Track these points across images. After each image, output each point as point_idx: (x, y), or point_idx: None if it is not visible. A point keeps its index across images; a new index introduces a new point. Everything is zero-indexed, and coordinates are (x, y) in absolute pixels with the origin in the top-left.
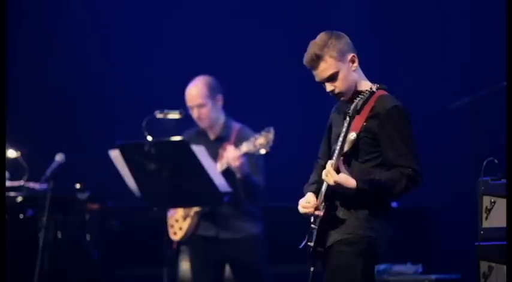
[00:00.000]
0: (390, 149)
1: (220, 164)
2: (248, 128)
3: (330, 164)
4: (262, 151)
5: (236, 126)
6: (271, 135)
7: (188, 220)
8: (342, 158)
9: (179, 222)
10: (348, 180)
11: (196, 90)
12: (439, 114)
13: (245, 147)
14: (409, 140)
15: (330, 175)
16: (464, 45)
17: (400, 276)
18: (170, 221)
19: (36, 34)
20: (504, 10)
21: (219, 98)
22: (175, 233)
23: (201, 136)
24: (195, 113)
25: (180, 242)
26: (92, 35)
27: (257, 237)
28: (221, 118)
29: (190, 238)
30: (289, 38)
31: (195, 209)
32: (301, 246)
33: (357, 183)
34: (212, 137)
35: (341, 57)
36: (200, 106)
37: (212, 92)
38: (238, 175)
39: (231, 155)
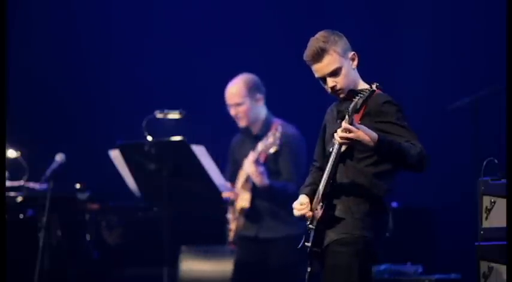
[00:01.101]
0: (395, 136)
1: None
2: (289, 125)
3: (344, 123)
4: (272, 150)
5: (276, 122)
6: (278, 134)
7: (235, 222)
8: (355, 114)
9: (231, 223)
10: (368, 130)
11: (234, 89)
12: (439, 114)
13: (260, 147)
14: (408, 127)
15: (350, 130)
16: (465, 45)
17: (400, 276)
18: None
19: (36, 34)
20: (504, 10)
21: (259, 98)
22: (229, 233)
23: (244, 134)
24: (232, 111)
25: (234, 242)
26: (92, 35)
27: (296, 238)
28: (262, 116)
29: (237, 240)
30: (289, 38)
31: (237, 209)
32: (299, 247)
33: (379, 136)
34: (254, 134)
35: (344, 53)
36: (237, 105)
37: (251, 91)
38: (257, 185)
39: (246, 162)
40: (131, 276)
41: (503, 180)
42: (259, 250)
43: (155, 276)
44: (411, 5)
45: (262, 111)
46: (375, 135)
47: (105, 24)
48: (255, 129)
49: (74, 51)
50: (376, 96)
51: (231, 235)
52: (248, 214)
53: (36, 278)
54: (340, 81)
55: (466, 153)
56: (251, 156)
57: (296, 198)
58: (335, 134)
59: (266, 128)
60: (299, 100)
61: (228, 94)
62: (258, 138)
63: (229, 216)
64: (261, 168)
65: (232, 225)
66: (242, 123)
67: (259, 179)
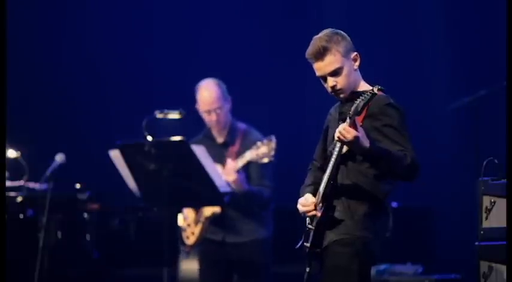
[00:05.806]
0: (389, 144)
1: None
2: (254, 129)
3: (345, 124)
4: (265, 160)
5: (242, 128)
6: (273, 144)
7: (200, 225)
8: (356, 116)
9: (191, 226)
10: (364, 137)
11: (211, 93)
12: (439, 114)
13: (248, 156)
14: (406, 135)
15: (348, 131)
16: (465, 45)
17: (400, 276)
18: (183, 224)
19: (36, 34)
20: (504, 10)
21: (230, 100)
22: (188, 237)
23: (207, 140)
24: (212, 117)
25: (193, 246)
26: (92, 35)
27: (264, 242)
28: (229, 120)
29: (201, 242)
30: (290, 40)
31: (206, 214)
32: (297, 247)
33: (370, 144)
34: (219, 140)
35: (346, 53)
36: (219, 109)
37: (225, 94)
38: (236, 191)
39: (226, 170)
40: (131, 276)
41: (503, 180)
42: (226, 254)
43: (155, 276)
44: (411, 4)
45: (229, 115)
46: (368, 141)
47: (105, 24)
48: (223, 135)
49: (74, 51)
50: (378, 98)
51: (192, 239)
52: (215, 218)
53: (36, 278)
54: (341, 81)
55: (466, 153)
56: (230, 166)
57: (269, 204)
58: (335, 132)
59: (233, 132)
60: (299, 100)
61: (206, 100)
62: (227, 144)
63: (186, 219)
64: (242, 176)
65: (195, 230)
66: (219, 127)
67: (240, 187)
